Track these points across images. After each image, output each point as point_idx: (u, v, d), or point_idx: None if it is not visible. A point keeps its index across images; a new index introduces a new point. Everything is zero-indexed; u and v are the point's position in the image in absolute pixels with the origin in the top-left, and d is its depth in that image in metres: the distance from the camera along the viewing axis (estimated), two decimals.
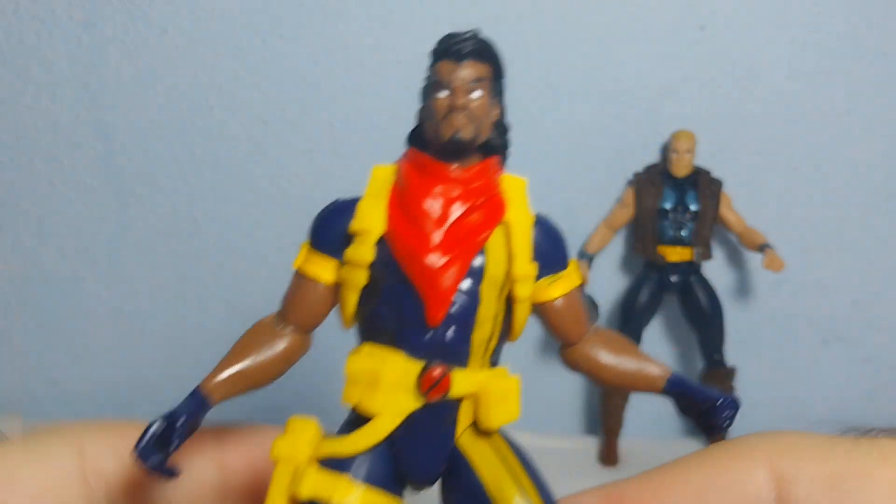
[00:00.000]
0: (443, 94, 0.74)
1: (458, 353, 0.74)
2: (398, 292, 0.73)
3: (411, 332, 0.73)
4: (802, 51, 1.78)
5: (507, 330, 0.78)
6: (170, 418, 0.70)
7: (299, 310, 0.78)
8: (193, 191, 1.85)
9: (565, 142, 1.82)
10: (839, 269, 1.90)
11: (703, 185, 1.77)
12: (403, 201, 0.74)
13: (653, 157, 1.83)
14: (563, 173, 1.84)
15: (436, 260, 0.72)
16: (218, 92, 1.80)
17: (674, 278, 1.79)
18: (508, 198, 0.77)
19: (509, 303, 0.76)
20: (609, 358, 0.80)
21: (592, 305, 1.74)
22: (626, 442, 1.84)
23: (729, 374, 1.81)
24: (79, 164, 1.85)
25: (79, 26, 1.78)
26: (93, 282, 1.91)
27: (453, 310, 0.73)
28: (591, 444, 1.86)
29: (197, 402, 0.73)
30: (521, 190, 0.79)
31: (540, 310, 0.79)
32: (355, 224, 0.75)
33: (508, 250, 0.75)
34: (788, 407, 1.96)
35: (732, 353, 1.85)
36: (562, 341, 0.81)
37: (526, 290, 0.76)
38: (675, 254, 1.78)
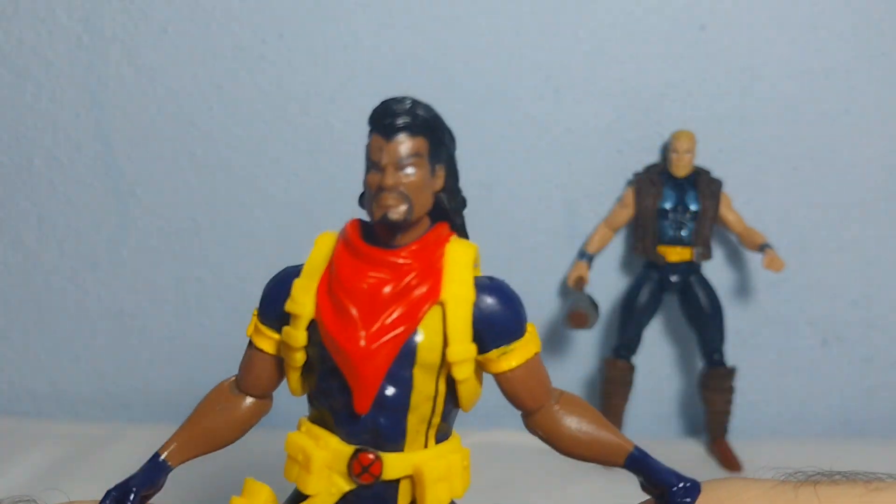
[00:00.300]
0: (373, 172, 0.71)
1: (391, 438, 0.73)
2: (329, 378, 0.73)
3: (343, 417, 0.73)
4: (803, 50, 1.78)
5: (455, 403, 0.76)
6: (124, 487, 0.78)
7: (251, 377, 0.80)
8: (193, 191, 1.85)
9: (565, 141, 1.82)
10: (839, 269, 1.90)
11: (703, 185, 1.77)
12: (331, 285, 0.73)
13: (653, 157, 1.83)
14: (563, 173, 1.84)
15: (360, 348, 0.70)
16: (218, 92, 1.80)
17: (674, 278, 1.79)
18: (449, 272, 0.73)
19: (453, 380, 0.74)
20: (571, 430, 0.77)
21: (592, 306, 1.74)
22: None
23: (728, 374, 1.81)
24: (79, 163, 1.85)
25: (79, 26, 1.77)
26: (93, 282, 1.91)
27: (382, 397, 0.71)
28: None
29: (156, 467, 0.80)
30: (466, 260, 0.75)
31: (495, 379, 0.77)
32: (289, 305, 0.75)
33: (444, 332, 0.72)
34: (788, 407, 1.96)
35: (732, 353, 1.85)
36: (522, 411, 0.79)
37: (464, 373, 0.73)
38: (675, 254, 1.78)
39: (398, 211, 0.70)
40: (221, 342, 1.92)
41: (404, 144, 0.70)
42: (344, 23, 1.76)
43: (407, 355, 0.71)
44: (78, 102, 1.81)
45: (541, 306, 1.88)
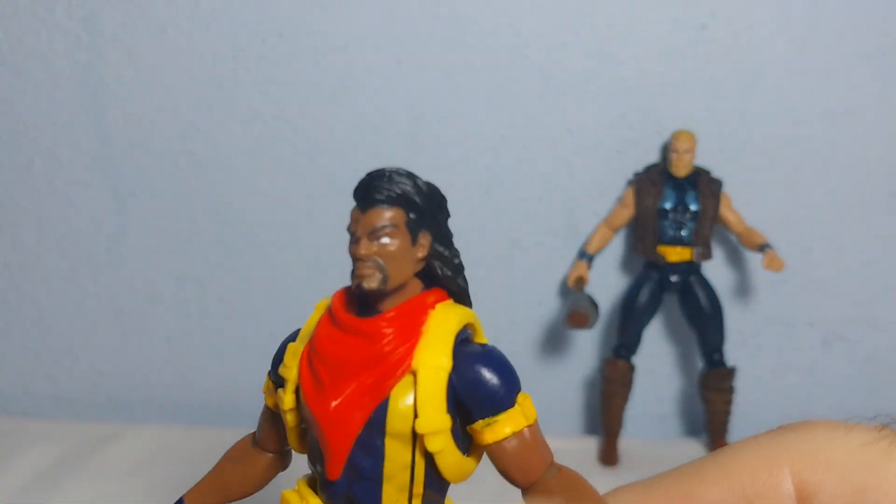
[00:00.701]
0: (352, 242, 0.73)
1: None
2: (312, 442, 0.76)
3: (323, 482, 0.76)
4: (803, 50, 1.78)
5: (438, 474, 0.75)
6: None
7: (263, 433, 0.84)
8: (193, 191, 1.85)
9: (565, 141, 1.82)
10: (840, 269, 1.89)
11: (703, 184, 1.77)
12: (310, 353, 0.75)
13: (653, 156, 1.83)
14: (563, 173, 1.83)
15: (328, 413, 0.71)
16: (218, 92, 1.80)
17: (674, 278, 1.79)
18: (426, 339, 0.72)
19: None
20: None
21: (592, 306, 1.74)
22: (627, 442, 1.84)
23: (729, 374, 1.81)
24: (78, 163, 1.84)
25: (78, 25, 1.77)
26: (92, 281, 1.91)
27: (354, 465, 0.72)
28: (591, 445, 1.86)
29: None
30: (448, 326, 0.73)
31: (485, 450, 0.75)
32: (280, 368, 0.78)
33: (414, 402, 0.71)
34: (789, 407, 1.95)
35: (732, 354, 1.85)
36: (513, 484, 0.76)
37: (437, 445, 0.72)
38: (675, 254, 1.78)
39: (372, 280, 0.71)
40: (221, 343, 1.92)
41: (379, 215, 0.71)
42: (343, 22, 1.76)
43: (377, 424, 0.72)
44: (77, 102, 1.81)
45: (541, 306, 1.88)
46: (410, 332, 0.72)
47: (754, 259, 1.84)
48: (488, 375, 0.73)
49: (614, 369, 1.81)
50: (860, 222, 1.88)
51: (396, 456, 0.72)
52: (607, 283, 1.89)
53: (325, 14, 1.76)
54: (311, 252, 1.83)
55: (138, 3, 1.76)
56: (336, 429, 0.71)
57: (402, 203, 0.72)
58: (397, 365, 0.71)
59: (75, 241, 1.89)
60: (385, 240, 0.71)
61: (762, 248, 1.75)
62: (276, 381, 0.80)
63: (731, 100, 1.81)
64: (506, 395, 0.73)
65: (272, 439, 0.83)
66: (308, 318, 0.79)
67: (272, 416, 0.82)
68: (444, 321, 0.74)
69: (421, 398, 0.71)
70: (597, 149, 1.83)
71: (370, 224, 0.72)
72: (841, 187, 1.86)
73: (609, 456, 1.81)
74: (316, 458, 0.76)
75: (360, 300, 0.75)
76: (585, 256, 1.81)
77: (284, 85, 1.79)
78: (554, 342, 1.91)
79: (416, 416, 0.71)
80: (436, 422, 0.71)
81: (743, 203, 1.81)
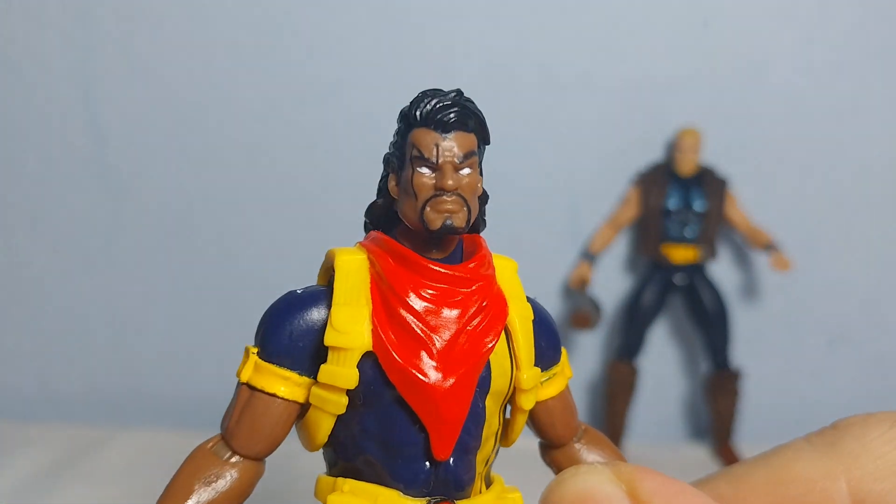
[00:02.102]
0: (425, 171, 0.62)
1: (462, 483, 0.64)
2: (390, 421, 0.62)
3: (408, 467, 0.62)
4: (809, 46, 1.76)
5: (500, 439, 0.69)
6: None
7: (250, 434, 0.64)
8: (188, 189, 1.82)
9: (569, 140, 1.79)
10: (846, 270, 1.87)
11: (708, 184, 1.75)
12: (391, 311, 0.62)
13: (657, 155, 1.80)
14: (566, 172, 1.81)
15: (442, 383, 0.60)
16: (213, 89, 1.77)
17: (678, 279, 1.76)
18: (507, 290, 0.66)
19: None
20: None
21: (594, 307, 1.71)
22: (631, 445, 1.81)
23: (734, 376, 1.78)
24: (72, 162, 1.82)
25: (72, 21, 1.75)
26: (87, 282, 1.88)
27: (461, 438, 0.62)
28: None
29: None
30: (515, 276, 0.68)
31: (531, 411, 0.69)
32: (332, 337, 0.61)
33: (512, 357, 0.65)
34: (794, 408, 1.93)
35: (738, 354, 1.82)
36: (549, 442, 0.72)
37: (531, 402, 0.66)
38: (680, 254, 1.75)
39: (460, 216, 0.62)
40: (214, 346, 1.89)
41: (465, 141, 0.62)
42: (342, 19, 1.74)
43: (482, 384, 0.63)
44: (71, 99, 1.78)
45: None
46: (491, 281, 0.65)
47: (760, 259, 1.82)
48: (551, 325, 0.70)
49: (618, 371, 1.78)
50: (867, 222, 1.85)
51: (493, 418, 0.65)
52: (611, 284, 1.86)
53: (322, 10, 1.74)
54: (309, 253, 1.80)
55: None
56: (452, 399, 0.60)
57: (478, 131, 0.64)
58: (497, 318, 0.63)
59: (69, 240, 1.86)
60: (466, 171, 0.62)
61: (768, 247, 1.73)
62: (291, 356, 0.64)
63: (737, 97, 1.78)
64: (560, 345, 0.71)
65: (266, 439, 0.64)
66: (325, 273, 0.65)
67: (272, 406, 0.64)
68: (509, 269, 0.68)
69: (520, 352, 0.64)
70: (600, 147, 1.80)
71: (454, 151, 0.61)
72: (848, 186, 1.83)
73: None
74: (395, 440, 0.62)
75: (418, 246, 0.63)
76: (588, 257, 1.78)
77: (280, 82, 1.76)
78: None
79: (513, 369, 0.64)
80: (533, 375, 0.66)
81: (750, 201, 1.78)
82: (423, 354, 0.61)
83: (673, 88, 1.78)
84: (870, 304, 1.90)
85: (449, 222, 0.61)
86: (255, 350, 0.66)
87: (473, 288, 0.63)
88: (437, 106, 0.62)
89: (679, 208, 1.75)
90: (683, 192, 1.75)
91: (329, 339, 0.62)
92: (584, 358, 1.90)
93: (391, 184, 0.65)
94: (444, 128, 0.62)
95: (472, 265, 0.63)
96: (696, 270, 1.77)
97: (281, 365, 0.64)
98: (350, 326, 0.61)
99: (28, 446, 1.71)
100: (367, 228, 0.68)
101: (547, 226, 1.84)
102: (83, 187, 1.83)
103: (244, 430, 0.65)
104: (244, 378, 0.66)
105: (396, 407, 0.62)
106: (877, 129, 1.80)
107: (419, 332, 0.61)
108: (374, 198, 0.67)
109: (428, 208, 0.62)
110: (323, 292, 0.65)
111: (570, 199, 1.82)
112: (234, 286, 1.86)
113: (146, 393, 1.91)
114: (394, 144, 0.65)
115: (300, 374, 0.64)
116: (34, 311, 1.90)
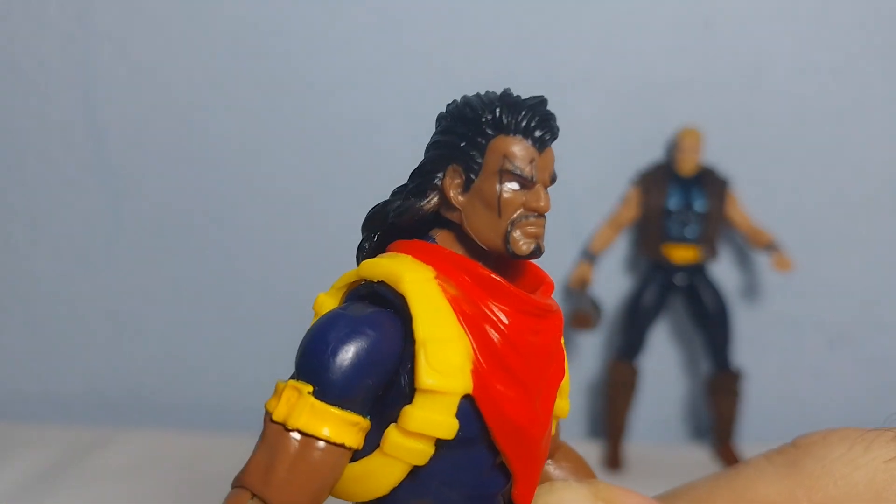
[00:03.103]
0: (514, 187, 0.54)
1: None
2: (472, 465, 0.54)
3: None
4: (810, 47, 1.76)
5: None
6: None
7: (301, 490, 0.51)
8: (188, 190, 1.82)
9: (569, 140, 1.78)
10: (846, 271, 1.87)
11: (709, 183, 1.75)
12: (492, 348, 0.53)
13: (658, 155, 1.80)
14: (566, 171, 1.78)
15: (541, 431, 0.55)
16: (213, 89, 1.77)
17: (679, 279, 1.76)
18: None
19: None
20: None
21: (595, 307, 1.71)
22: (631, 446, 1.81)
23: (735, 377, 1.78)
24: (72, 163, 1.82)
25: (72, 22, 1.75)
26: (86, 283, 1.87)
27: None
28: (595, 449, 1.83)
29: None
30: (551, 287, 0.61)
31: None
32: (432, 380, 0.51)
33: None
34: (795, 409, 1.93)
35: (739, 355, 1.82)
36: None
37: (555, 427, 0.61)
38: (681, 254, 1.75)
39: (543, 242, 0.55)
40: (215, 347, 1.88)
41: (552, 159, 0.56)
42: (343, 18, 1.74)
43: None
44: (71, 100, 1.78)
45: None
46: (553, 303, 0.59)
47: (761, 260, 1.82)
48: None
49: (618, 372, 1.78)
50: (868, 222, 1.85)
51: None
52: (611, 284, 1.86)
53: (323, 10, 1.73)
54: (309, 254, 1.80)
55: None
56: (541, 445, 0.55)
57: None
58: (562, 353, 0.58)
59: (69, 241, 1.86)
60: (546, 192, 0.55)
61: (769, 248, 1.73)
62: (364, 399, 0.53)
63: (737, 97, 1.78)
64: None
65: (317, 499, 0.53)
66: (346, 287, 0.56)
67: (337, 457, 0.52)
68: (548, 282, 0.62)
69: (565, 382, 0.59)
70: (600, 147, 1.80)
71: (549, 170, 0.56)
72: (848, 187, 1.83)
73: (613, 460, 1.77)
74: (481, 486, 0.55)
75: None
76: (589, 257, 1.78)
77: (281, 81, 1.76)
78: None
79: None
80: (566, 404, 0.61)
81: (751, 202, 1.78)
82: (524, 399, 0.54)
83: (674, 88, 1.78)
84: (870, 305, 1.90)
85: (536, 247, 0.55)
86: (310, 389, 0.52)
87: (557, 321, 0.57)
88: (538, 119, 0.56)
89: (680, 208, 1.75)
90: (684, 193, 1.75)
91: (427, 381, 0.51)
92: (584, 358, 1.90)
93: (453, 191, 0.56)
94: (542, 144, 0.56)
95: (544, 292, 0.57)
96: (696, 271, 1.77)
97: (346, 408, 0.52)
98: (449, 367, 0.52)
99: (28, 447, 1.71)
100: (366, 229, 0.59)
101: (547, 225, 1.83)
102: (83, 187, 1.83)
103: (295, 487, 0.51)
104: (297, 424, 0.52)
105: (485, 452, 0.54)
106: (877, 130, 1.80)
107: (520, 373, 0.54)
108: (376, 199, 0.60)
109: (517, 231, 0.55)
110: (387, 315, 0.54)
111: (570, 199, 1.82)
112: (235, 286, 1.86)
113: (146, 394, 1.91)
114: (461, 145, 0.55)
115: (364, 416, 0.53)
116: (34, 311, 1.90)
